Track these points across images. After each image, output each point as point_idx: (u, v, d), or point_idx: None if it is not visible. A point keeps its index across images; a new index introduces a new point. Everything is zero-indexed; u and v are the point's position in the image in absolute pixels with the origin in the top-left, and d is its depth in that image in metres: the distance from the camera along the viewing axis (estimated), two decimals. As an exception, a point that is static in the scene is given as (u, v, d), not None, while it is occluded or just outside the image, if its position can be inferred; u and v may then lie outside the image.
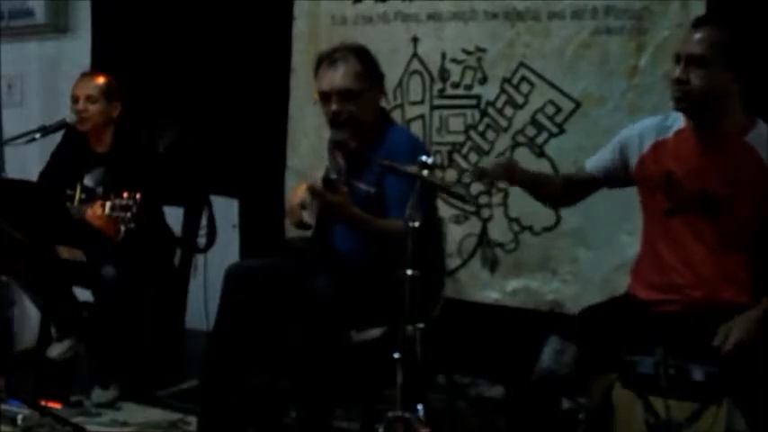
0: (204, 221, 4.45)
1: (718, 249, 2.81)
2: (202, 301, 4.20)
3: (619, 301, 3.00)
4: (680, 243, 2.85)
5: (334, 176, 3.22)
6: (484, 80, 4.10)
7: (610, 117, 3.80)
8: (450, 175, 4.15)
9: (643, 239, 3.00)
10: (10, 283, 4.26)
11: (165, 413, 4.00)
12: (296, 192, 3.50)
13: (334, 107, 3.33)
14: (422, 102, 4.26)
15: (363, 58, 3.39)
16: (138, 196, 3.64)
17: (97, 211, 3.75)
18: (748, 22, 3.14)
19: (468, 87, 4.14)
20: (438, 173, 3.85)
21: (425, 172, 2.93)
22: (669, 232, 2.87)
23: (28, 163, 4.82)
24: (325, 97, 3.37)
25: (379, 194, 3.29)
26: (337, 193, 3.13)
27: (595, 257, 3.82)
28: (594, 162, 3.09)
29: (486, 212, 4.11)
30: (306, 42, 4.50)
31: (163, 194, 4.19)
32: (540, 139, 3.97)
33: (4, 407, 3.69)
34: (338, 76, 3.33)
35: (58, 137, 4.36)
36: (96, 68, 4.82)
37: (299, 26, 4.55)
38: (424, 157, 2.96)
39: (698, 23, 2.84)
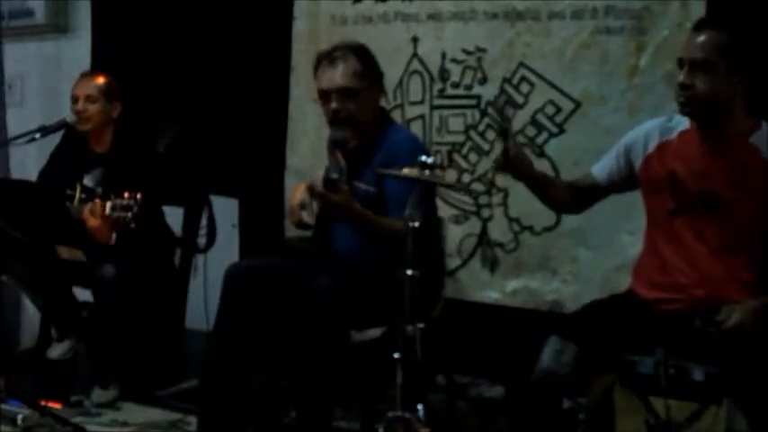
0: (204, 221, 4.45)
1: (721, 250, 2.81)
2: (202, 301, 4.20)
3: (620, 299, 3.00)
4: (683, 243, 2.85)
5: (334, 176, 3.22)
6: (484, 80, 4.09)
7: (610, 117, 3.80)
8: (451, 174, 4.15)
9: (646, 239, 3.00)
10: (10, 283, 4.25)
11: (165, 413, 4.00)
12: (295, 192, 3.50)
13: (333, 105, 3.33)
14: (422, 102, 4.26)
15: (363, 57, 3.39)
16: (138, 196, 3.64)
17: (95, 211, 3.75)
18: (749, 23, 3.13)
19: (468, 87, 4.14)
20: (438, 172, 3.85)
21: (426, 172, 2.93)
22: (672, 233, 2.87)
23: (28, 163, 4.82)
24: (324, 96, 3.38)
25: (379, 194, 3.29)
26: (338, 193, 3.13)
27: (595, 257, 3.82)
28: (600, 167, 3.09)
29: (486, 212, 4.11)
30: (306, 42, 4.50)
31: (163, 194, 4.19)
32: (540, 139, 3.97)
33: (4, 407, 3.68)
34: (338, 75, 3.33)
35: (57, 137, 4.35)
36: (96, 68, 4.82)
37: (299, 26, 4.55)
38: (423, 157, 2.96)
39: (699, 26, 2.83)
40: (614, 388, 2.71)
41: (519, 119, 4.01)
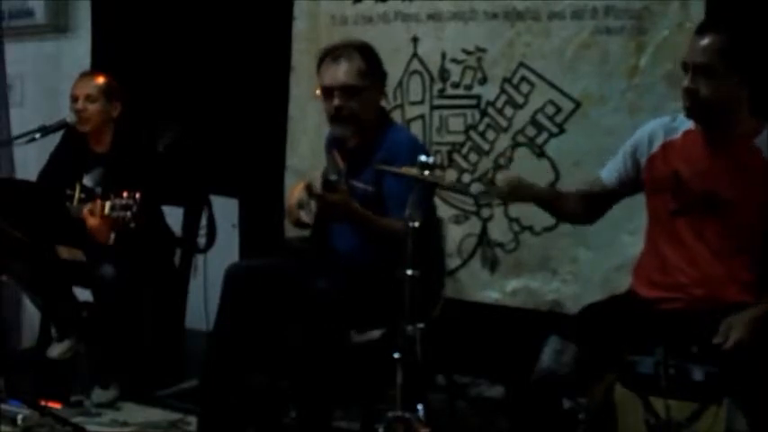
0: (204, 221, 4.45)
1: (722, 250, 2.81)
2: (202, 301, 4.20)
3: (620, 299, 3.00)
4: (684, 243, 2.85)
5: (333, 178, 3.22)
6: (484, 80, 4.10)
7: (610, 117, 3.81)
8: (451, 174, 4.15)
9: (647, 239, 3.00)
10: (10, 283, 4.25)
11: (165, 413, 4.00)
12: (293, 191, 3.49)
13: (336, 102, 3.33)
14: (422, 102, 4.26)
15: (367, 56, 3.39)
16: (137, 196, 3.64)
17: (95, 211, 3.75)
18: (750, 23, 3.13)
19: (468, 87, 4.14)
20: (437, 172, 3.85)
21: (426, 172, 2.93)
22: (674, 233, 2.87)
23: (28, 163, 4.82)
24: (326, 92, 3.37)
25: (378, 193, 3.29)
26: (337, 192, 3.13)
27: (595, 257, 3.82)
28: (608, 171, 3.07)
29: (486, 212, 4.11)
30: (306, 42, 4.50)
31: (163, 194, 4.19)
32: (540, 139, 3.97)
33: (4, 407, 3.69)
34: (341, 72, 3.33)
35: (57, 137, 4.35)
36: (96, 68, 4.82)
37: (299, 26, 4.55)
38: (423, 157, 2.95)
39: (701, 30, 2.82)
40: (614, 388, 2.71)
41: (519, 119, 4.01)
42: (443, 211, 3.97)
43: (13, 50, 5.20)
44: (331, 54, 3.38)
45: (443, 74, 4.19)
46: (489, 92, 4.08)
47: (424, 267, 2.92)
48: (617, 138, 3.73)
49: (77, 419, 3.76)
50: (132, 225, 3.67)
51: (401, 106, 4.28)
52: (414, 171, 2.95)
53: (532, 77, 3.98)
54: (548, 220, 3.89)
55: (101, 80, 4.26)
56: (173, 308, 4.45)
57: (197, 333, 4.30)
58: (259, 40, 4.63)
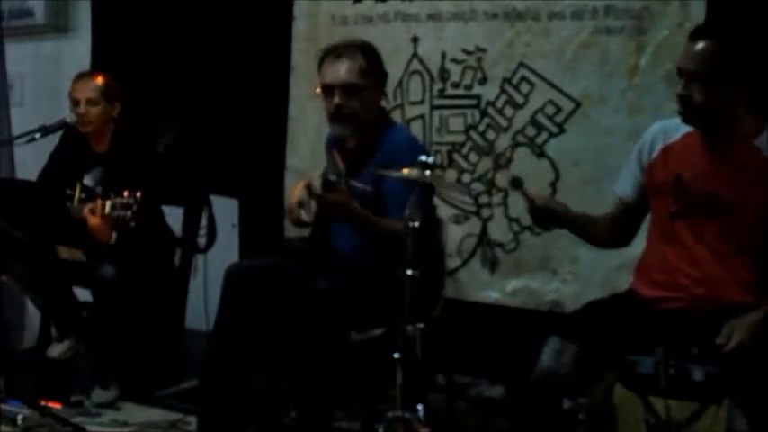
0: (204, 221, 4.45)
1: (723, 251, 2.80)
2: (202, 301, 4.20)
3: (620, 298, 3.00)
4: (685, 245, 2.85)
5: (333, 178, 3.22)
6: (484, 80, 4.09)
7: (610, 117, 3.80)
8: (451, 174, 4.15)
9: (648, 240, 2.99)
10: (10, 283, 4.25)
11: (165, 413, 4.00)
12: (294, 190, 3.49)
13: (336, 101, 3.32)
14: (422, 102, 4.26)
15: (369, 55, 3.39)
16: (138, 195, 3.65)
17: (95, 211, 3.75)
18: (748, 23, 3.13)
19: (468, 87, 4.14)
20: (437, 172, 3.85)
21: (426, 172, 2.93)
22: (675, 234, 2.87)
23: (28, 163, 4.82)
24: (327, 91, 3.37)
25: (377, 194, 3.29)
26: (337, 192, 3.13)
27: (595, 257, 3.82)
28: (622, 184, 3.05)
29: (486, 212, 4.11)
30: (306, 42, 4.50)
31: (162, 194, 4.19)
32: (540, 139, 3.97)
33: (4, 407, 3.69)
34: (343, 71, 3.33)
35: (57, 137, 4.35)
36: (96, 68, 4.81)
37: (299, 26, 4.55)
38: (423, 157, 2.95)
39: (694, 36, 2.81)
40: (614, 388, 2.71)
41: (519, 119, 4.01)
42: (443, 211, 3.97)
43: (13, 50, 5.21)
44: (333, 52, 3.38)
45: (443, 74, 4.19)
46: (489, 92, 4.08)
47: (424, 267, 2.92)
48: (617, 138, 3.76)
49: (77, 419, 3.76)
50: (133, 224, 3.67)
51: (401, 106, 4.28)
52: (413, 173, 2.94)
53: (532, 77, 3.97)
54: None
55: (100, 81, 4.25)
56: (173, 308, 4.45)
57: (197, 333, 4.30)
58: (259, 40, 4.62)
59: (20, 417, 3.64)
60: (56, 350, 4.12)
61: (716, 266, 2.81)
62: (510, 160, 4.03)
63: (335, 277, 3.21)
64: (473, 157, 4.14)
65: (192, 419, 3.74)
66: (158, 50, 4.90)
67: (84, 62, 5.07)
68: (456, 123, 4.18)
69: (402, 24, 4.27)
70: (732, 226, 2.79)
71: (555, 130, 3.94)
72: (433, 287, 3.40)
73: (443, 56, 4.18)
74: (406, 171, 2.97)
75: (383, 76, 3.44)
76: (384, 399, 3.15)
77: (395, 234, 3.02)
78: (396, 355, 2.92)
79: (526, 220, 3.98)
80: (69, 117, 4.19)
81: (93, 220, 3.77)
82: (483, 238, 4.11)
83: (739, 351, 2.62)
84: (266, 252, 4.42)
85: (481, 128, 4.11)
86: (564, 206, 3.05)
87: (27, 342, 4.92)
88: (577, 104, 3.89)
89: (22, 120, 4.93)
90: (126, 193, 3.68)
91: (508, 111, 4.04)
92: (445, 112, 4.21)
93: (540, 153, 3.96)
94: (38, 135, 4.13)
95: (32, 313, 4.80)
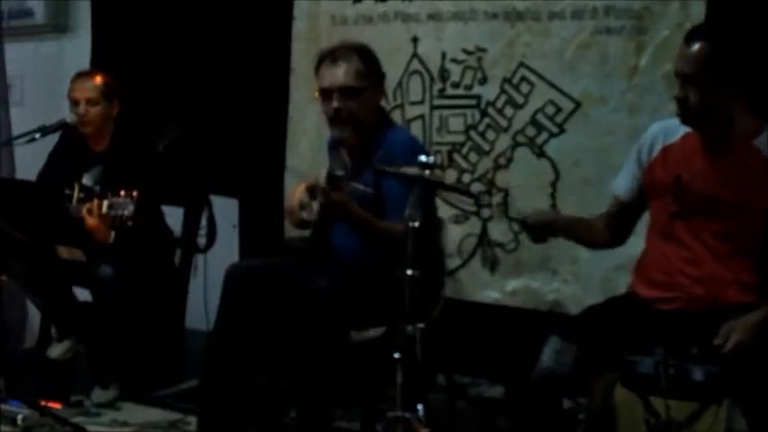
0: (204, 221, 4.45)
1: (723, 252, 2.80)
2: (202, 301, 4.20)
3: (620, 300, 3.00)
4: (684, 245, 2.85)
5: (339, 173, 3.23)
6: (484, 80, 4.09)
7: (610, 117, 3.80)
8: (451, 174, 4.15)
9: (648, 240, 3.00)
10: (10, 283, 4.25)
11: (165, 413, 4.00)
12: (294, 192, 3.50)
13: (335, 104, 3.33)
14: (422, 102, 4.26)
15: (365, 57, 3.39)
16: (135, 194, 3.65)
17: (93, 210, 3.75)
18: (743, 25, 3.12)
19: (468, 87, 4.14)
20: (437, 172, 3.85)
21: (426, 172, 2.93)
22: (675, 235, 2.87)
23: (28, 163, 4.82)
24: (325, 94, 3.37)
25: (377, 195, 3.29)
26: (341, 191, 3.13)
27: (595, 257, 3.81)
28: (621, 184, 3.06)
29: (486, 212, 4.11)
30: (306, 42, 4.50)
31: (162, 194, 4.19)
32: (540, 139, 3.97)
33: (4, 407, 3.68)
34: (340, 74, 3.33)
35: (56, 137, 4.35)
36: (96, 68, 4.81)
37: (299, 26, 4.55)
38: (423, 157, 2.95)
39: (689, 38, 2.81)
40: (614, 388, 2.71)
41: (519, 119, 4.01)
42: (443, 211, 3.96)
43: (13, 50, 5.21)
44: (329, 56, 3.38)
45: (443, 74, 4.19)
46: (489, 92, 4.08)
47: (424, 267, 2.92)
48: (617, 138, 3.76)
49: (77, 419, 3.76)
50: (130, 223, 3.67)
51: (401, 106, 4.28)
52: (413, 170, 2.94)
53: (532, 77, 3.97)
54: (548, 220, 3.89)
55: (99, 80, 4.25)
56: (173, 308, 4.45)
57: (197, 333, 4.30)
58: (259, 41, 4.62)
59: (20, 417, 3.64)
60: (56, 350, 4.12)
61: (715, 267, 2.81)
62: (510, 160, 4.03)
63: (336, 277, 3.21)
64: (473, 157, 4.14)
65: (192, 419, 3.74)
66: (158, 50, 4.90)
67: (84, 62, 5.07)
68: (456, 123, 4.18)
69: (402, 24, 4.27)
70: (732, 226, 2.80)
71: (555, 130, 3.94)
72: (433, 287, 3.40)
73: (443, 56, 4.18)
74: (405, 169, 2.98)
75: (381, 77, 3.45)
76: (384, 399, 3.15)
77: (394, 236, 3.02)
78: (396, 355, 2.92)
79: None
80: (69, 117, 4.19)
81: (91, 220, 3.77)
82: (483, 238, 4.11)
83: (737, 352, 2.62)
84: (266, 252, 4.41)
85: (481, 128, 4.11)
86: (554, 214, 3.07)
87: (27, 342, 4.92)
88: (577, 104, 3.89)
89: (22, 120, 4.93)
90: (123, 193, 3.68)
91: (508, 111, 4.04)
92: (445, 112, 4.21)
93: (541, 153, 3.96)
94: (38, 135, 4.13)
95: (32, 313, 4.80)
